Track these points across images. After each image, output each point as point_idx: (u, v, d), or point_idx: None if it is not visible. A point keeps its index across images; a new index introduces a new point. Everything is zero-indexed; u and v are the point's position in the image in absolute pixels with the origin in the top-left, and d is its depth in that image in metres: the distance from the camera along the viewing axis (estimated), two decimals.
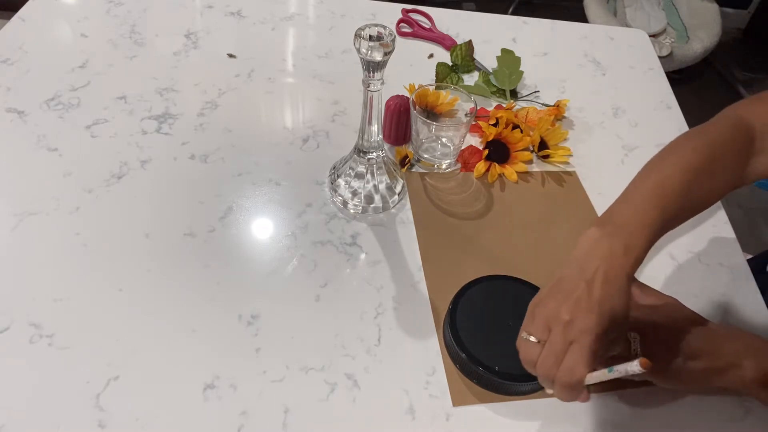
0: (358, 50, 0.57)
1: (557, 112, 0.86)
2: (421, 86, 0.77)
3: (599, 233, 0.51)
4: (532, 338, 0.49)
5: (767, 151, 0.59)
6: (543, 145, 0.81)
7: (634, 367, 0.45)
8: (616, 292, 0.48)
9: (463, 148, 0.79)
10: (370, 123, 0.66)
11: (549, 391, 0.50)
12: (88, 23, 0.96)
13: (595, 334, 0.46)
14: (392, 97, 0.76)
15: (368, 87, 0.62)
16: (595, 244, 0.50)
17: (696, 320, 0.57)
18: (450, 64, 0.93)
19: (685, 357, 0.53)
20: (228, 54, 0.93)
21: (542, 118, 0.82)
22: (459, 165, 0.79)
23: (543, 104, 0.89)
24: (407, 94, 0.80)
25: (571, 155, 0.82)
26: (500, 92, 0.90)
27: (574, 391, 0.47)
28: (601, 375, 0.47)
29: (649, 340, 0.54)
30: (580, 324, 0.46)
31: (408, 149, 0.79)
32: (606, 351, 0.51)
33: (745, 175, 0.60)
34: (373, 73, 0.60)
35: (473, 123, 0.81)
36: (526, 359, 0.50)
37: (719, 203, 0.78)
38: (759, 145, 0.60)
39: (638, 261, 0.50)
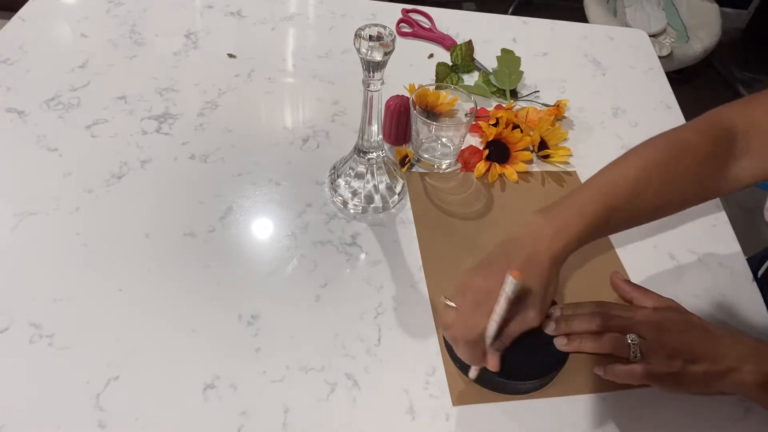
0: (358, 50, 0.57)
1: (557, 112, 0.86)
2: (421, 86, 0.77)
3: (536, 217, 0.54)
4: (449, 303, 0.52)
5: (752, 153, 0.59)
6: (543, 145, 0.81)
7: (508, 285, 0.47)
8: (533, 269, 0.50)
9: (463, 148, 0.79)
10: (370, 123, 0.66)
11: (472, 374, 0.55)
12: (88, 23, 0.96)
13: (504, 311, 0.49)
14: (392, 97, 0.76)
15: (368, 87, 0.62)
16: (528, 226, 0.53)
17: (696, 323, 0.57)
18: (450, 64, 0.93)
19: (684, 361, 0.53)
20: (228, 54, 0.93)
21: (542, 118, 0.82)
22: (459, 165, 0.79)
23: (543, 104, 0.89)
24: (407, 94, 0.80)
25: (571, 155, 0.82)
26: (500, 92, 0.90)
27: (474, 348, 0.51)
28: (493, 325, 0.50)
29: (649, 343, 0.54)
30: (487, 287, 0.50)
31: (408, 149, 0.79)
32: (519, 324, 0.52)
33: (729, 178, 0.59)
34: (373, 73, 0.60)
35: (473, 123, 0.81)
36: (442, 323, 0.54)
37: (719, 203, 0.78)
38: (742, 147, 0.59)
39: (567, 247, 0.52)
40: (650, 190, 0.56)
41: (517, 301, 0.50)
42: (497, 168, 0.78)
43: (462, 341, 0.52)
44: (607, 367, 0.55)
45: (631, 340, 0.54)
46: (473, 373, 0.56)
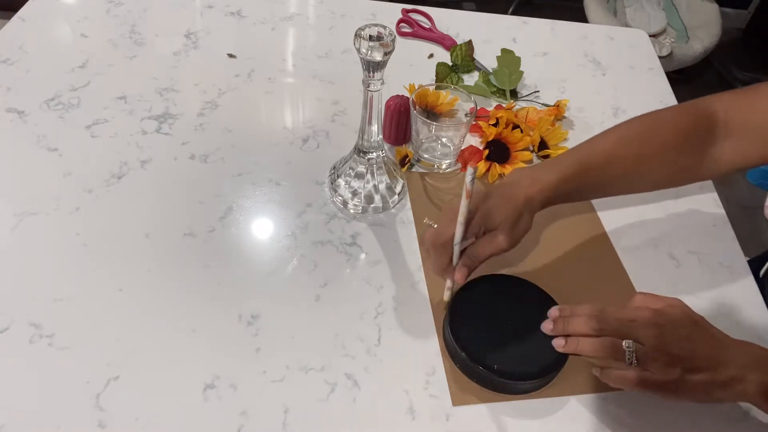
0: (358, 50, 0.57)
1: (557, 112, 0.86)
2: (421, 86, 0.77)
3: (519, 169, 0.61)
4: (431, 223, 0.58)
5: (734, 136, 0.63)
6: (543, 145, 0.81)
7: (468, 176, 0.52)
8: (507, 202, 0.57)
9: (463, 148, 0.79)
10: (370, 123, 0.66)
11: (445, 295, 0.60)
12: (88, 23, 0.96)
13: (466, 209, 0.54)
14: (392, 97, 0.76)
15: (368, 87, 0.62)
16: (510, 176, 0.60)
17: (699, 327, 0.55)
18: (450, 64, 0.93)
19: (684, 369, 0.51)
20: (228, 54, 0.93)
21: (542, 118, 0.82)
22: (459, 165, 0.79)
23: (543, 104, 0.89)
24: (407, 94, 0.80)
25: (567, 145, 0.82)
26: (500, 92, 0.90)
27: (442, 254, 0.57)
28: (459, 227, 0.55)
29: (647, 349, 0.52)
30: (460, 206, 0.54)
31: (408, 149, 0.79)
32: (488, 244, 0.57)
33: (707, 161, 0.64)
34: (373, 73, 0.60)
35: (473, 123, 0.81)
36: (420, 239, 0.65)
37: (719, 203, 0.78)
38: (721, 133, 0.63)
39: (540, 193, 0.58)
40: (623, 158, 0.62)
41: (488, 227, 0.57)
42: (497, 168, 0.78)
43: (432, 247, 0.57)
44: (602, 370, 0.55)
45: (627, 346, 0.52)
46: (446, 294, 0.60)
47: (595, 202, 0.76)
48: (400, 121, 0.77)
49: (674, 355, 0.51)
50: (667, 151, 0.62)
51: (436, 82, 0.91)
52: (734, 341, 0.55)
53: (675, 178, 0.67)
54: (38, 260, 0.64)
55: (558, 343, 0.55)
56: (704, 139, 0.63)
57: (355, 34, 0.57)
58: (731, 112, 0.63)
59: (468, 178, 0.52)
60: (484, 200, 0.57)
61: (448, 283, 0.59)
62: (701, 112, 0.64)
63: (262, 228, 0.70)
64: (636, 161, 0.62)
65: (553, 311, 0.57)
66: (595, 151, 0.62)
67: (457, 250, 0.56)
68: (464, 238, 0.56)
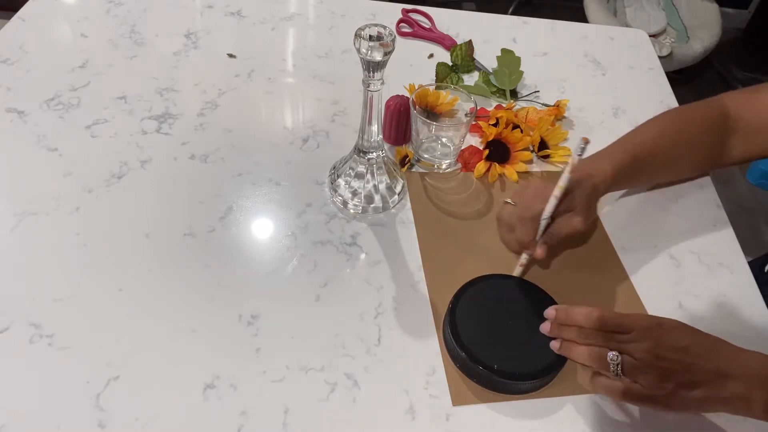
0: (358, 50, 0.57)
1: (557, 112, 0.86)
2: (421, 86, 0.77)
3: (580, 161, 0.63)
4: (510, 201, 0.66)
5: (740, 132, 0.71)
6: (543, 145, 0.81)
7: (577, 150, 0.58)
8: (580, 189, 0.62)
9: (463, 148, 0.79)
10: (370, 123, 0.66)
11: (517, 271, 0.65)
12: (88, 23, 0.96)
13: (566, 183, 0.60)
14: (392, 97, 0.76)
15: (368, 87, 0.62)
16: (580, 165, 0.62)
17: (697, 335, 0.52)
18: (450, 64, 0.93)
19: (678, 385, 0.50)
20: (228, 54, 0.93)
21: (542, 118, 0.82)
22: (459, 165, 0.79)
23: (543, 104, 0.89)
24: (407, 94, 0.80)
25: (571, 155, 0.82)
26: (500, 92, 0.90)
27: (529, 228, 0.62)
28: (553, 201, 0.61)
29: (638, 363, 0.50)
30: (544, 185, 0.63)
31: (408, 149, 0.79)
32: (566, 224, 0.63)
33: (725, 151, 0.73)
34: (373, 73, 0.60)
35: (473, 123, 0.81)
36: (498, 216, 0.68)
37: (719, 203, 0.78)
38: (732, 126, 0.71)
39: (605, 182, 0.64)
40: (664, 147, 0.70)
41: (566, 209, 0.62)
42: (497, 168, 0.78)
43: (519, 220, 0.63)
44: (591, 377, 0.53)
45: (611, 358, 0.50)
46: (518, 270, 0.65)
47: None
48: (400, 121, 0.77)
49: (668, 369, 0.50)
50: (696, 142, 0.72)
51: (436, 82, 0.91)
52: (742, 353, 0.52)
53: (701, 165, 0.77)
54: (38, 260, 0.64)
55: (554, 345, 0.56)
56: (722, 132, 0.72)
57: (355, 34, 0.57)
58: (740, 109, 0.71)
59: (577, 152, 0.58)
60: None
61: (523, 259, 0.64)
62: (720, 110, 0.72)
63: (262, 228, 0.70)
64: (674, 150, 0.70)
65: (549, 311, 0.57)
66: (641, 142, 0.69)
67: (543, 224, 0.61)
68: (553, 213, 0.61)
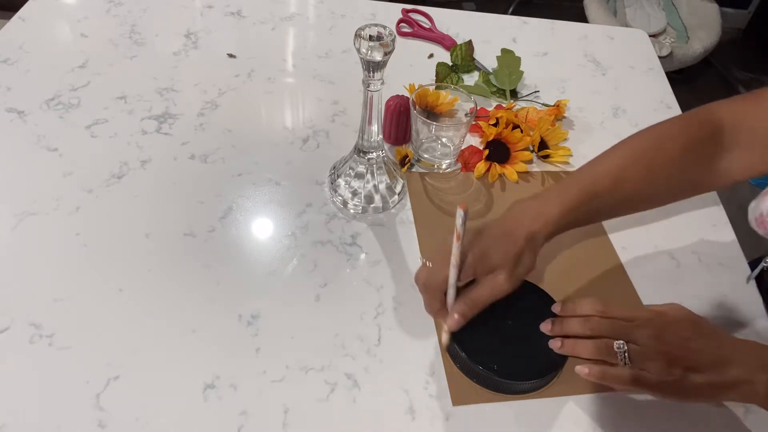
0: (358, 50, 0.57)
1: (557, 112, 0.86)
2: (421, 86, 0.77)
3: (521, 202, 0.58)
4: (426, 261, 0.61)
5: (742, 146, 0.60)
6: (543, 145, 0.81)
7: (457, 218, 0.50)
8: (507, 241, 0.54)
9: (463, 148, 0.79)
10: (370, 123, 0.66)
11: (444, 339, 0.57)
12: (88, 23, 0.96)
13: (459, 251, 0.52)
14: (392, 97, 0.76)
15: (368, 87, 0.62)
16: (511, 209, 0.57)
17: (703, 328, 0.53)
18: (450, 64, 0.93)
19: (685, 369, 0.50)
20: (228, 54, 0.93)
21: (542, 118, 0.82)
22: (459, 165, 0.79)
23: (543, 104, 0.89)
24: (407, 94, 0.80)
25: (571, 155, 0.82)
26: (500, 92, 0.90)
27: (434, 296, 0.54)
28: (453, 270, 0.53)
29: (645, 349, 0.51)
30: (452, 247, 0.52)
31: (408, 149, 0.79)
32: (489, 287, 0.54)
33: (718, 172, 0.61)
34: (373, 73, 0.60)
35: (473, 123, 0.81)
36: (415, 278, 0.57)
37: (719, 203, 0.78)
38: (729, 141, 0.60)
39: (545, 228, 0.55)
40: (632, 178, 0.59)
41: (488, 270, 0.54)
42: (497, 168, 0.78)
43: (423, 288, 0.55)
44: (598, 368, 0.52)
45: (617, 347, 0.51)
46: (445, 337, 0.57)
47: None
48: (400, 121, 0.77)
49: (675, 355, 0.50)
50: (674, 167, 0.60)
51: (436, 82, 0.91)
52: (740, 341, 0.53)
53: (682, 194, 0.65)
54: (38, 260, 0.64)
55: (554, 345, 0.55)
56: (711, 152, 0.61)
57: (355, 34, 0.57)
58: (738, 119, 0.60)
59: (458, 221, 0.50)
60: (479, 240, 0.55)
61: (446, 326, 0.56)
62: (707, 122, 0.61)
63: (262, 228, 0.70)
64: (643, 182, 0.59)
65: (556, 306, 0.57)
66: (600, 174, 0.59)
67: (451, 292, 0.54)
68: (458, 279, 0.54)
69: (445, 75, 0.91)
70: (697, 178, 0.62)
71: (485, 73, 0.93)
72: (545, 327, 0.56)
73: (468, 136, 0.81)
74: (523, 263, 0.54)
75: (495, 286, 0.53)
